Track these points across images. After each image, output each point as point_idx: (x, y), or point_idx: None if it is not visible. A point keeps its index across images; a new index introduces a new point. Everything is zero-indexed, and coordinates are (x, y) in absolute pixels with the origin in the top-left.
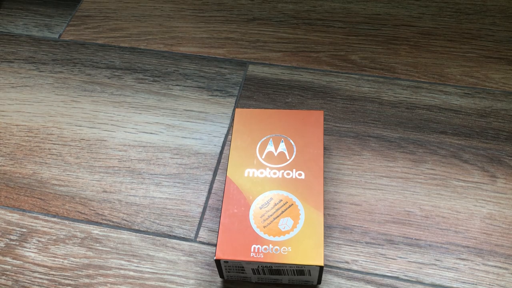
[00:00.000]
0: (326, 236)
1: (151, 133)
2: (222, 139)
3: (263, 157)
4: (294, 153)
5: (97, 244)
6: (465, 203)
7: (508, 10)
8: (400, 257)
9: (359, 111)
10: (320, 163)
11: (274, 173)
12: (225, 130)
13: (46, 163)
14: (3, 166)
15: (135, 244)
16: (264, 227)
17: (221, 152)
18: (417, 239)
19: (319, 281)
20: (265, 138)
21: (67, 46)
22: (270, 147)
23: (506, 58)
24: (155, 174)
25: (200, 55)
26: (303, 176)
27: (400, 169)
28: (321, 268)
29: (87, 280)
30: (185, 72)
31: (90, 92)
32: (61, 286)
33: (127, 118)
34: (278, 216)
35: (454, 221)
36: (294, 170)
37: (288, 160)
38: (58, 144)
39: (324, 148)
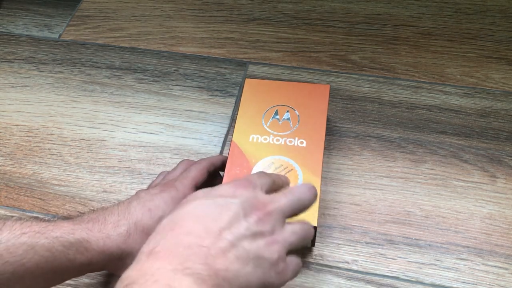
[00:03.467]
0: (326, 236)
1: (151, 133)
2: (222, 139)
3: (268, 124)
4: (298, 122)
5: None
6: (465, 203)
7: (508, 10)
8: (400, 257)
9: (359, 111)
10: (322, 133)
11: (277, 140)
12: (225, 130)
13: (46, 163)
14: (3, 166)
15: None
16: None
17: (221, 152)
18: (417, 239)
19: (313, 244)
20: (271, 107)
21: (67, 46)
22: (276, 116)
23: (506, 58)
24: (155, 174)
25: (200, 55)
26: (304, 144)
27: (400, 169)
28: (315, 228)
29: (87, 280)
30: (185, 72)
31: (90, 92)
32: (61, 286)
33: (127, 118)
34: None
35: (454, 221)
36: (296, 138)
37: (292, 128)
38: (58, 144)
39: (324, 148)
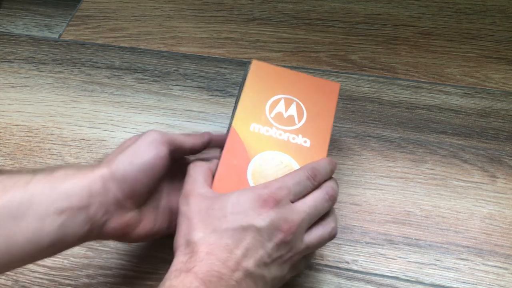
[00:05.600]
0: None
1: None
2: None
3: (271, 115)
4: (304, 119)
5: (97, 244)
6: (465, 203)
7: (508, 10)
8: (400, 257)
9: (359, 111)
10: (327, 136)
11: (280, 135)
12: (225, 130)
13: (46, 163)
14: (3, 166)
15: (134, 244)
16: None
17: None
18: (417, 239)
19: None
20: (277, 97)
21: (67, 46)
22: (281, 107)
23: (506, 58)
24: None
25: (200, 55)
26: (308, 144)
27: (400, 169)
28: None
29: (87, 280)
30: (185, 72)
31: (90, 92)
32: (61, 286)
33: (127, 118)
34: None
35: (454, 221)
36: (300, 136)
37: (296, 124)
38: (58, 144)
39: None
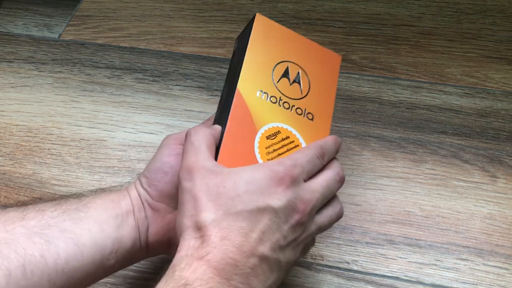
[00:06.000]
0: (326, 236)
1: (151, 133)
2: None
3: (277, 82)
4: (309, 89)
5: None
6: (466, 203)
7: (508, 10)
8: (400, 257)
9: (359, 111)
10: (330, 112)
11: (286, 105)
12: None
13: (46, 163)
14: (3, 166)
15: None
16: (267, 159)
17: None
18: (417, 239)
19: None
20: (283, 62)
21: (66, 46)
22: (286, 74)
23: (506, 58)
24: None
25: (200, 55)
26: (312, 119)
27: (400, 169)
28: None
29: None
30: (185, 72)
31: (89, 92)
32: None
33: (127, 118)
34: (283, 153)
35: (454, 221)
36: (305, 109)
37: (302, 96)
38: (57, 144)
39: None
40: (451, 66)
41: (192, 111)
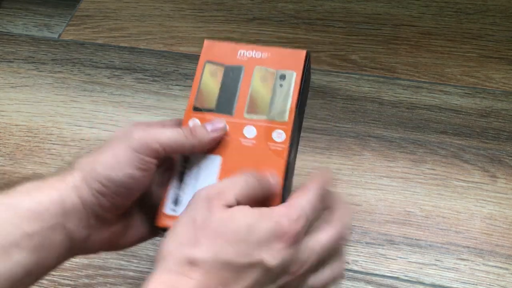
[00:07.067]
0: None
1: None
2: None
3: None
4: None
5: None
6: (466, 203)
7: (508, 10)
8: (401, 257)
9: (359, 111)
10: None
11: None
12: None
13: (46, 163)
14: (3, 166)
15: None
16: None
17: None
18: (418, 239)
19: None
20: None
21: (66, 46)
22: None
23: (506, 58)
24: None
25: (200, 55)
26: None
27: (401, 169)
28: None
29: (86, 280)
30: (185, 72)
31: (89, 92)
32: (60, 287)
33: (127, 118)
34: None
35: (454, 221)
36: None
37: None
38: (57, 144)
39: (324, 148)
40: (451, 66)
41: None
